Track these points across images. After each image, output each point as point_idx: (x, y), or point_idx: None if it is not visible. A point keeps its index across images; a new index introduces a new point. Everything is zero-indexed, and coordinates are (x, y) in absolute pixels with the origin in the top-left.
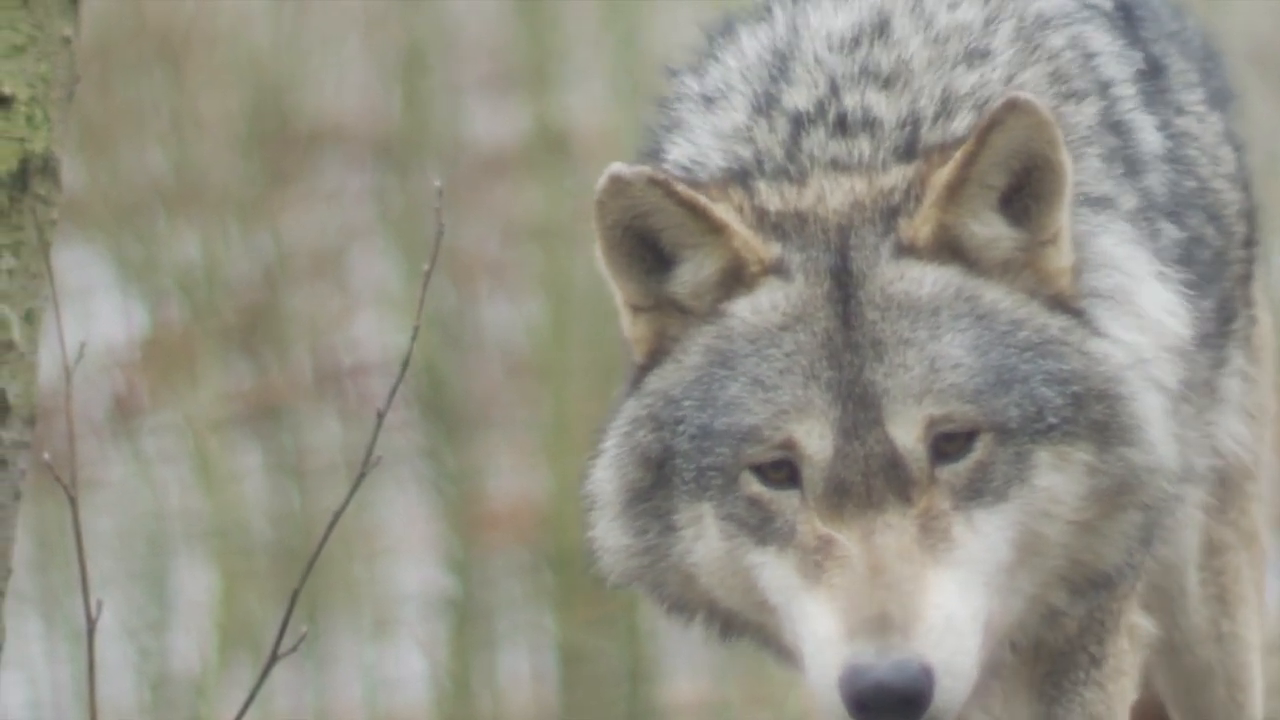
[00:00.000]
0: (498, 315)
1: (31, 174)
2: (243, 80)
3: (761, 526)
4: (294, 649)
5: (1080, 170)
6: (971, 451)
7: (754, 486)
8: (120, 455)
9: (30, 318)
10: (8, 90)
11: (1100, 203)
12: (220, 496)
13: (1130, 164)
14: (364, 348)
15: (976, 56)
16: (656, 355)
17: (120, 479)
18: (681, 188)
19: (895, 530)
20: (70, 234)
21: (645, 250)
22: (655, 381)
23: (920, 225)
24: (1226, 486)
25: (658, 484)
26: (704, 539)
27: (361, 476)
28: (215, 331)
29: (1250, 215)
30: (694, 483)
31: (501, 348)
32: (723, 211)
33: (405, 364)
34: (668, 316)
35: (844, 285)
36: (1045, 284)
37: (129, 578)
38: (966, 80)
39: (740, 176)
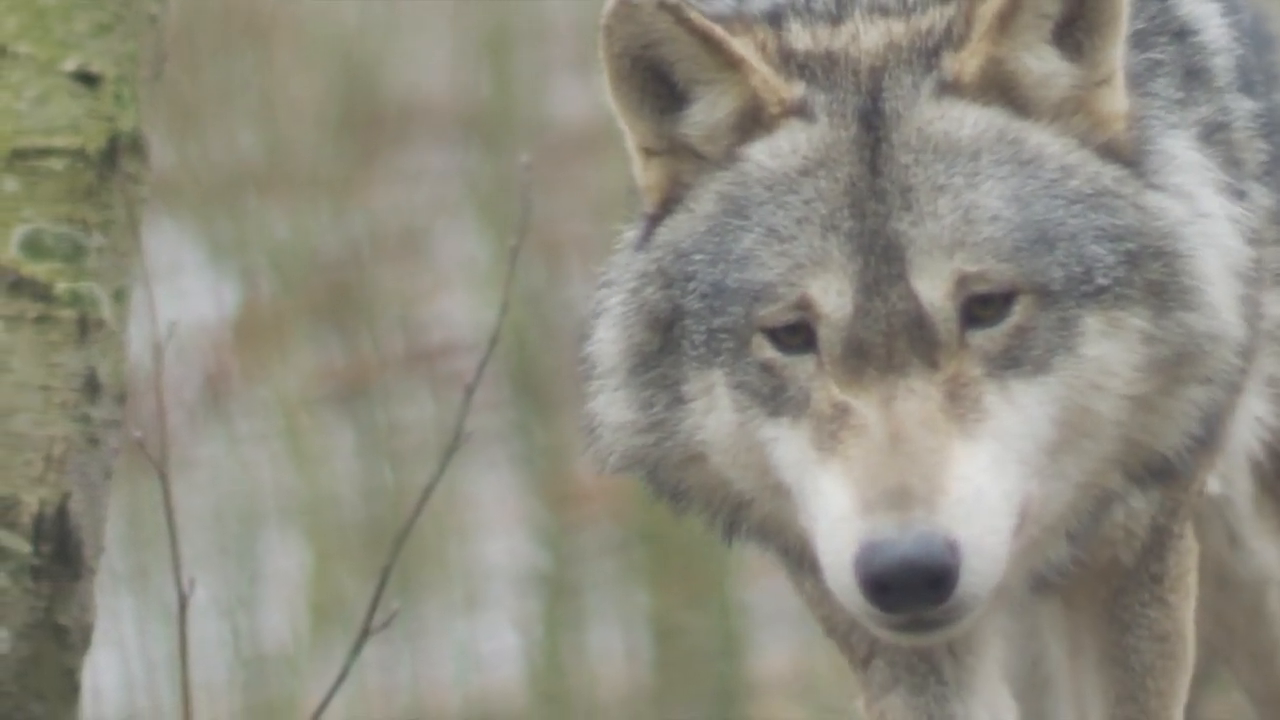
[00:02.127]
0: (586, 291)
1: (120, 152)
2: (330, 58)
3: (775, 396)
4: (386, 625)
5: (1148, 62)
6: (1009, 315)
7: (767, 351)
8: (212, 433)
9: (120, 296)
10: (95, 69)
11: (1165, 104)
12: (311, 473)
13: (1199, 75)
14: (453, 325)
15: None
16: (668, 204)
17: (212, 457)
18: (695, 15)
19: (919, 396)
20: (160, 213)
21: (657, 85)
22: (665, 233)
23: (968, 59)
24: None
25: (666, 348)
26: (715, 411)
27: (452, 451)
28: (305, 309)
29: None
30: (705, 347)
31: None
32: (740, 46)
33: (494, 340)
34: (681, 161)
35: (873, 128)
36: (1099, 129)
37: (221, 555)
38: None
39: (773, 16)
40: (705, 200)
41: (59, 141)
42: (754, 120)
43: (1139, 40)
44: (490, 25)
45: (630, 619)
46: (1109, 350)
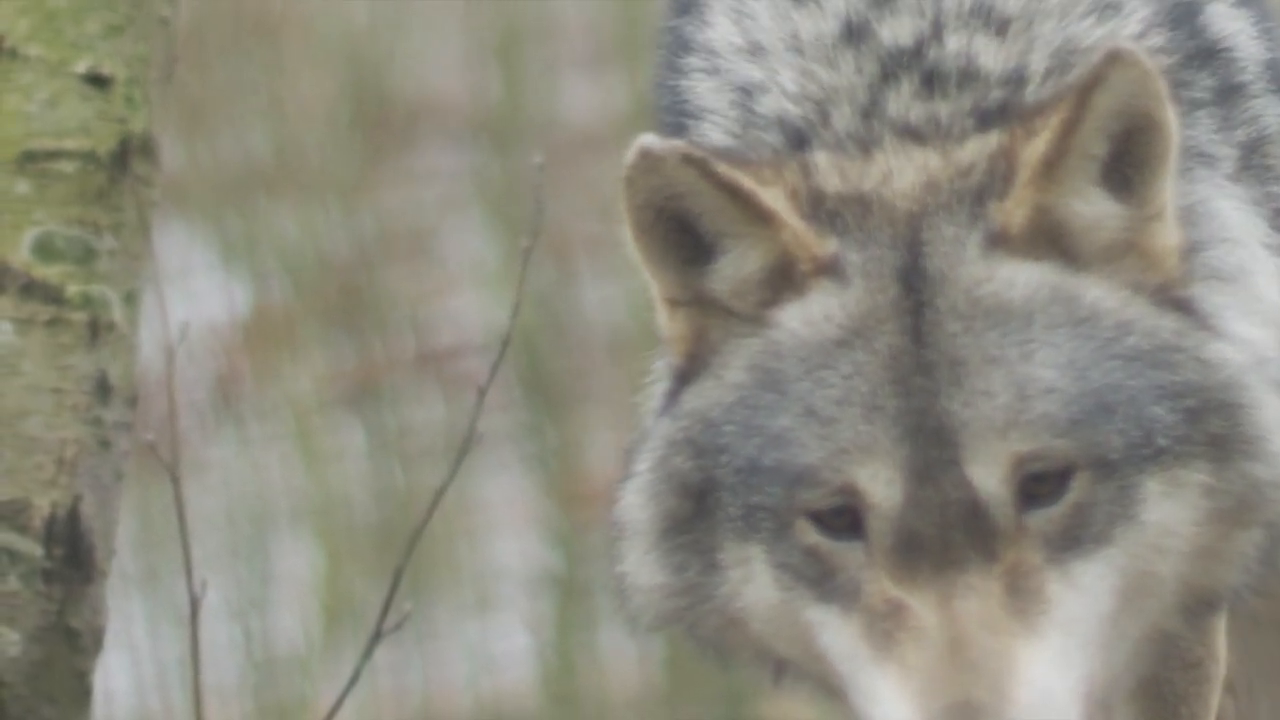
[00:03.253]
0: (597, 292)
1: (131, 154)
2: (340, 59)
3: (822, 581)
4: (397, 627)
5: (1187, 126)
6: (1067, 493)
7: (811, 536)
8: (223, 435)
9: (130, 298)
10: (107, 71)
11: (1207, 159)
12: (323, 475)
13: (1234, 93)
14: (464, 326)
15: (1109, 8)
16: (695, 362)
17: (223, 459)
18: (722, 168)
19: (978, 593)
20: (171, 215)
21: (682, 236)
22: (693, 399)
23: (1014, 209)
24: None
25: (699, 515)
26: (754, 583)
27: (464, 452)
28: (316, 311)
29: None
30: (741, 520)
31: (601, 324)
32: (771, 198)
33: (506, 341)
34: (708, 316)
35: (916, 290)
36: (1152, 270)
37: (233, 557)
38: (1093, 34)
39: (796, 137)
40: (735, 369)
41: (70, 144)
42: (784, 279)
43: (1176, 82)
44: (500, 25)
45: None
46: (1170, 511)
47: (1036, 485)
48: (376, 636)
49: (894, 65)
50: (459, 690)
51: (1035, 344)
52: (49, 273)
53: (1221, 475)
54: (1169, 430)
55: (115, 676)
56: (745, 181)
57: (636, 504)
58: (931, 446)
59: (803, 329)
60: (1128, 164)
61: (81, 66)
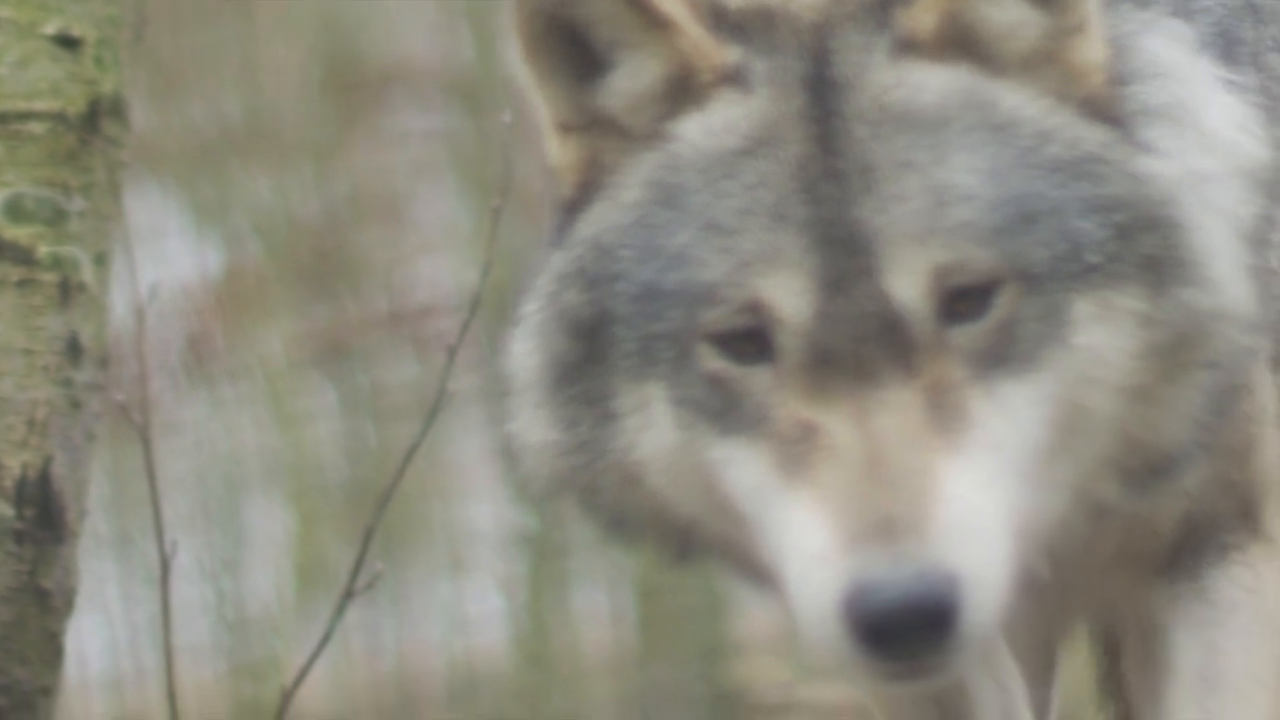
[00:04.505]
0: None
1: (101, 116)
2: (313, 21)
3: (726, 412)
4: (369, 587)
5: None
6: (991, 308)
7: (714, 361)
8: (195, 396)
9: (101, 260)
10: (76, 33)
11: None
12: (295, 436)
13: None
14: (436, 286)
15: None
16: (588, 190)
17: (195, 420)
18: None
19: (897, 409)
20: (144, 177)
21: (574, 50)
22: (586, 226)
23: (921, 15)
24: None
25: (591, 359)
26: (652, 429)
27: (435, 412)
28: (288, 272)
29: None
30: (638, 357)
31: None
32: (668, 4)
33: (476, 301)
34: (602, 138)
35: (823, 98)
36: (1076, 83)
37: (205, 519)
38: None
39: None
40: (631, 187)
41: (40, 105)
42: (684, 89)
43: None
44: None
45: (615, 580)
46: (1102, 337)
47: (959, 301)
48: (348, 596)
49: None
50: (432, 651)
51: (950, 148)
52: (19, 234)
53: (1157, 303)
54: (1098, 247)
55: (88, 638)
56: None
57: (524, 351)
58: (843, 256)
59: (704, 140)
60: None
61: (51, 28)
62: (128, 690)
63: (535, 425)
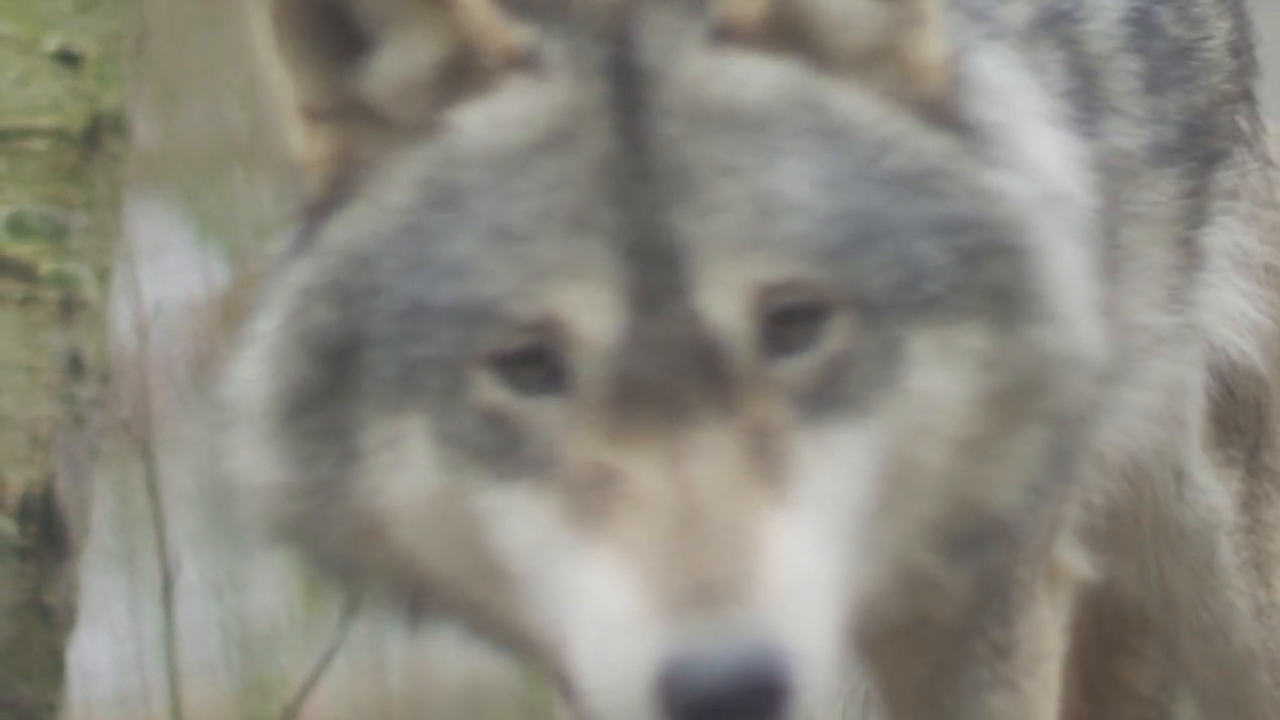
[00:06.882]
0: None
1: (103, 132)
2: None
3: (504, 452)
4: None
5: None
6: (821, 338)
7: (493, 391)
8: (202, 412)
9: (103, 276)
10: (78, 49)
11: (976, 15)
12: None
13: None
14: None
15: None
16: (340, 189)
17: (202, 436)
18: None
19: (713, 454)
20: (147, 192)
21: (329, 25)
22: (339, 232)
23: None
24: (1237, 402)
25: (337, 386)
26: (407, 469)
27: None
28: None
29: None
30: (395, 384)
31: None
32: None
33: None
34: (358, 129)
35: (629, 87)
36: (915, 83)
37: (211, 534)
38: None
39: None
40: (397, 187)
41: (41, 122)
42: (464, 74)
43: None
44: None
45: None
46: (940, 382)
47: (784, 327)
48: (354, 611)
49: None
50: (439, 667)
51: (778, 153)
52: (21, 250)
53: (1002, 342)
54: (940, 273)
55: (94, 655)
56: None
57: (253, 377)
58: (654, 269)
59: (488, 132)
60: None
61: (52, 44)
62: (134, 707)
63: (262, 463)
